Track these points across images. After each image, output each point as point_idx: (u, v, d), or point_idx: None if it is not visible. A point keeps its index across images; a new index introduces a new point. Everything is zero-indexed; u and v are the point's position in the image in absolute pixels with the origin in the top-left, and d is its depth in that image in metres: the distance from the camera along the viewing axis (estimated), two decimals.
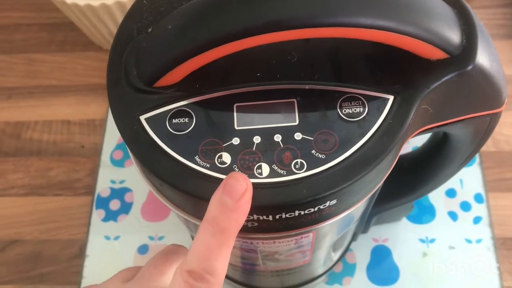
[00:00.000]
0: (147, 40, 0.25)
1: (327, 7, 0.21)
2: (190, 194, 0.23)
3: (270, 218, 0.24)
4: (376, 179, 0.25)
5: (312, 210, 0.23)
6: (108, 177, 0.54)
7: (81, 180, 0.54)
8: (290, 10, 0.21)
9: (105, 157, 0.55)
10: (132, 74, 0.25)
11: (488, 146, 0.53)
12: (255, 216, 0.24)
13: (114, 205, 0.52)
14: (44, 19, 0.64)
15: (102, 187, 0.53)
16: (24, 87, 0.60)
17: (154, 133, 0.24)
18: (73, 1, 0.50)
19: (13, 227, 0.52)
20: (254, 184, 0.23)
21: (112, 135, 0.56)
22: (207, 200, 0.23)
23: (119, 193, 0.53)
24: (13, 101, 0.59)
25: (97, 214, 0.52)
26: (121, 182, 0.53)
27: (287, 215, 0.23)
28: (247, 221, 0.24)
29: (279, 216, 0.23)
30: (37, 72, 0.61)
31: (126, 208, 0.52)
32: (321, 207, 0.23)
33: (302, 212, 0.23)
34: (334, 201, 0.23)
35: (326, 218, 0.25)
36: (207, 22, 0.22)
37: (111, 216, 0.52)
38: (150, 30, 0.26)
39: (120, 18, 0.52)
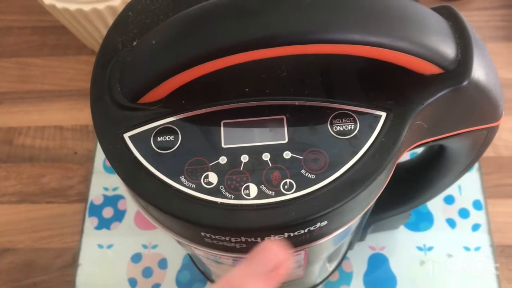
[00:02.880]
0: (132, 55, 0.24)
1: (317, 23, 0.20)
2: (175, 216, 0.22)
3: (259, 240, 0.23)
4: (369, 197, 0.25)
5: (302, 231, 0.23)
6: (101, 184, 0.53)
7: (73, 187, 0.53)
8: (279, 26, 0.20)
9: (98, 163, 0.54)
10: (116, 90, 0.24)
11: (487, 151, 0.51)
12: (243, 238, 0.23)
13: (107, 212, 0.51)
14: (36, 22, 0.63)
15: (95, 194, 0.52)
16: (15, 92, 0.59)
17: (138, 151, 0.23)
18: (63, 5, 0.49)
19: (5, 235, 0.52)
20: (241, 206, 0.22)
21: None
22: (192, 222, 0.22)
23: (112, 200, 0.52)
24: (4, 107, 0.58)
25: (90, 222, 0.51)
26: (114, 189, 0.52)
27: (276, 237, 0.23)
28: (234, 242, 0.23)
29: (268, 238, 0.23)
30: (29, 77, 0.60)
31: (119, 215, 0.51)
32: (311, 228, 0.23)
33: (292, 234, 0.23)
34: (324, 222, 0.23)
35: (317, 238, 0.24)
36: (193, 37, 0.22)
37: (104, 224, 0.51)
38: (135, 43, 0.25)
39: (111, 22, 0.51)
